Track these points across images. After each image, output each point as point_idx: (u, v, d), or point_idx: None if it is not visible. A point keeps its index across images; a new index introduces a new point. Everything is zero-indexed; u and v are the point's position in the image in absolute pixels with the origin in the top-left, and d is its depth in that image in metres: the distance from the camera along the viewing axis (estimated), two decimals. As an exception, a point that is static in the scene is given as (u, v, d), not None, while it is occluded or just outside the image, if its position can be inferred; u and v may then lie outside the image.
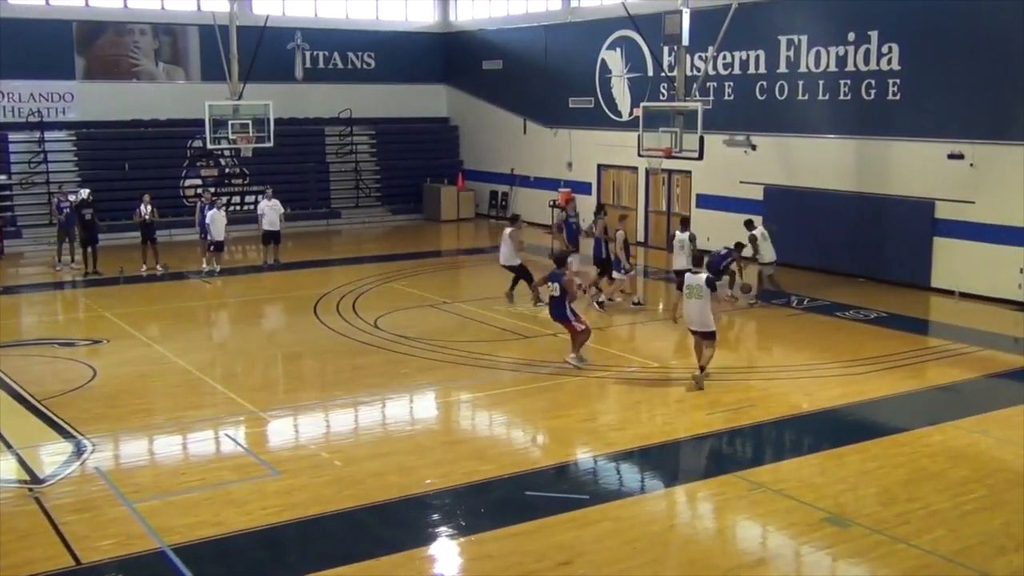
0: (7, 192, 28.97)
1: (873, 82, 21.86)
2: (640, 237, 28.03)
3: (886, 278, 21.66)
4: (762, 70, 24.43)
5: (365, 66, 34.40)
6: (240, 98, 26.13)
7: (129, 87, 30.74)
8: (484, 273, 24.95)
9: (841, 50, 22.47)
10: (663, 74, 25.32)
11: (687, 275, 14.55)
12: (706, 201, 25.98)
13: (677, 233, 20.00)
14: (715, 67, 25.02)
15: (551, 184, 31.07)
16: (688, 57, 23.13)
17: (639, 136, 22.98)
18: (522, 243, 20.19)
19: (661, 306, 20.41)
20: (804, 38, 23.32)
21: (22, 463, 11.43)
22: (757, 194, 24.42)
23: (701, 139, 21.39)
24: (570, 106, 30.49)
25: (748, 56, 24.73)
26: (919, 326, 18.73)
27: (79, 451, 11.77)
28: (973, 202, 20.16)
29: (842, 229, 22.41)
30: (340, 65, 33.98)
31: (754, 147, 24.54)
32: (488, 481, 10.75)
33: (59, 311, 21.03)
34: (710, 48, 23.29)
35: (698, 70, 24.29)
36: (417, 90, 35.28)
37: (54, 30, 29.36)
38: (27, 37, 28.45)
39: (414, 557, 9.01)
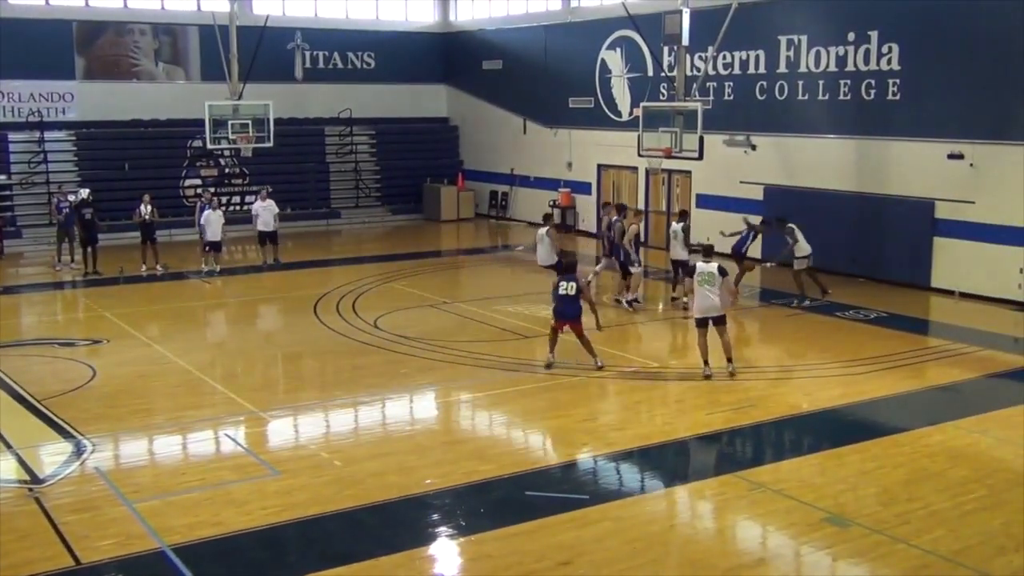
0: (7, 192, 28.97)
1: (873, 82, 21.86)
2: (641, 237, 27.99)
3: (886, 278, 21.65)
4: (762, 70, 24.43)
5: (365, 66, 34.41)
6: (240, 98, 26.14)
7: (129, 87, 30.74)
8: (484, 273, 24.98)
9: (841, 50, 22.47)
10: (663, 74, 25.32)
11: (699, 263, 14.56)
12: (706, 201, 25.97)
13: (673, 223, 20.20)
14: (715, 67, 25.02)
15: (551, 184, 31.08)
16: (688, 57, 23.13)
17: (639, 136, 22.99)
18: (559, 240, 20.12)
19: (661, 306, 20.42)
20: (804, 38, 23.32)
21: (22, 463, 11.43)
22: (757, 194, 24.41)
23: (701, 139, 21.40)
24: (570, 106, 30.48)
25: (748, 56, 24.73)
26: (919, 326, 18.72)
27: (79, 451, 11.76)
28: (973, 202, 20.15)
29: (842, 229, 22.39)
30: (340, 65, 33.99)
31: (754, 147, 24.54)
32: (488, 481, 10.75)
33: (59, 311, 21.02)
34: (710, 48, 23.29)
35: (698, 70, 24.29)
36: (417, 90, 35.28)
37: (54, 30, 29.35)
38: (27, 37, 28.45)
39: (414, 557, 9.01)
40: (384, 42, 34.45)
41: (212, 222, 23.49)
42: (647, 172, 25.46)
